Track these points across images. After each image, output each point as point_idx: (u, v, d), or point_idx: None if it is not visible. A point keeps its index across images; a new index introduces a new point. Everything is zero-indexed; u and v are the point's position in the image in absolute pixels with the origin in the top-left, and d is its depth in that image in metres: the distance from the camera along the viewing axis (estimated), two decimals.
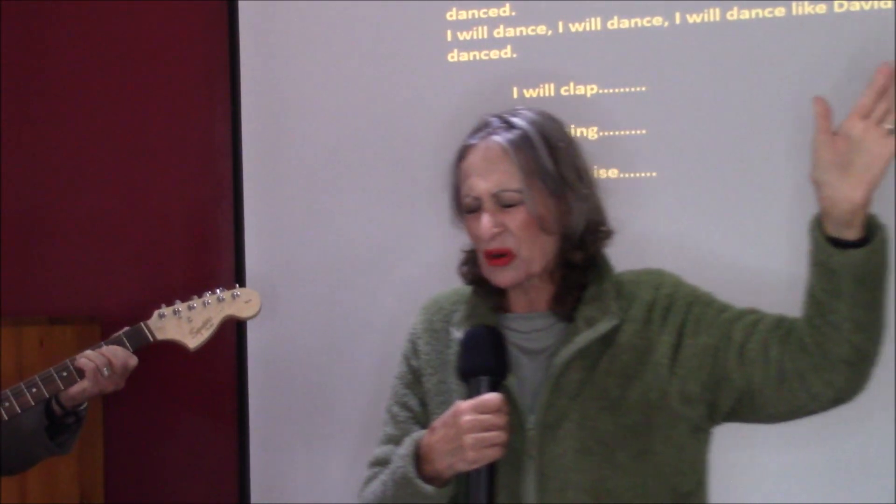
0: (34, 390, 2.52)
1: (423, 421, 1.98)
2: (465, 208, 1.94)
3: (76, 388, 2.52)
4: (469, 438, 1.80)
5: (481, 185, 1.91)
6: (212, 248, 3.66)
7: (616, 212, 2.01)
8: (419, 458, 1.87)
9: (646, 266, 2.00)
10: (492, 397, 1.83)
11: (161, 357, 2.81)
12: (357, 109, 3.41)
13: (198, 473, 3.65)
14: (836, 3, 2.97)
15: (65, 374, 2.52)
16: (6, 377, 3.08)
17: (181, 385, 3.65)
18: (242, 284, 3.03)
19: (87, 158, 3.77)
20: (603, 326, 1.90)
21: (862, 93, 1.70)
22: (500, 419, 1.81)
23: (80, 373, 2.52)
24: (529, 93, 3.21)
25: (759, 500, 2.96)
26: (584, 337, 1.89)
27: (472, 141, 1.95)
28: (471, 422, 1.81)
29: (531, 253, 1.91)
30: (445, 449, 1.83)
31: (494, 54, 3.26)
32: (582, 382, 1.89)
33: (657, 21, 3.11)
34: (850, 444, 2.90)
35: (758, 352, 1.84)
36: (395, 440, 1.97)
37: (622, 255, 2.01)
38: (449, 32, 3.30)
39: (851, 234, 1.71)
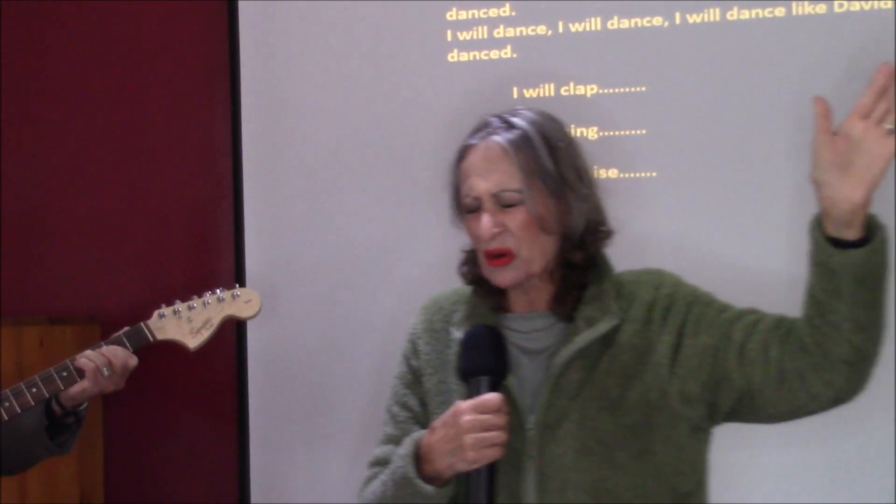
0: (34, 390, 2.52)
1: (423, 421, 1.98)
2: (465, 208, 1.94)
3: (76, 388, 2.52)
4: (469, 438, 1.80)
5: (481, 185, 1.91)
6: (212, 248, 3.66)
7: (616, 212, 2.01)
8: (419, 458, 1.87)
9: (646, 266, 2.00)
10: (492, 397, 1.83)
11: (161, 357, 2.81)
12: (357, 109, 3.40)
13: (198, 473, 3.65)
14: (836, 3, 2.97)
15: (65, 374, 2.52)
16: (6, 377, 3.08)
17: (181, 385, 3.64)
18: (242, 284, 3.03)
19: (87, 158, 3.77)
20: (603, 326, 1.90)
21: (862, 93, 1.70)
22: (500, 419, 1.81)
23: (80, 373, 2.51)
24: (529, 93, 3.20)
25: (759, 500, 2.96)
26: (584, 337, 1.89)
27: (472, 141, 1.95)
28: (471, 422, 1.81)
29: (531, 253, 1.91)
30: (445, 449, 1.83)
31: (494, 54, 3.26)
32: (582, 382, 1.89)
33: (657, 21, 3.11)
34: (850, 444, 2.90)
35: (758, 352, 1.84)
36: (395, 440, 1.97)
37: (622, 255, 2.01)
38: (449, 32, 3.30)
39: (851, 234, 1.71)
